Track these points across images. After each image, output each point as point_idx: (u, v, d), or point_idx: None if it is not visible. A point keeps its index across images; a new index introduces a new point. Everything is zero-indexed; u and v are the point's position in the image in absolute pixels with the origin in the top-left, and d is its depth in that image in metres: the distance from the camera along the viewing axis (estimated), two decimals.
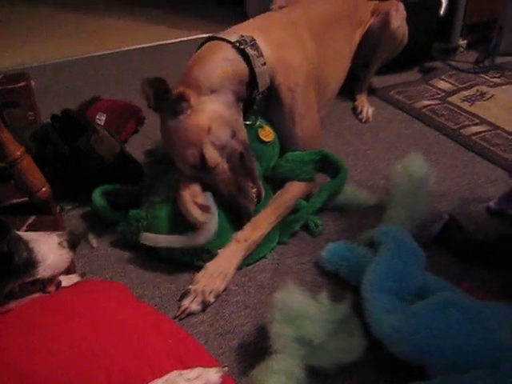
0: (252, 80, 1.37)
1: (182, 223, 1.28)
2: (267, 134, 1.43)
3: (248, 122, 1.41)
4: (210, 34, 1.45)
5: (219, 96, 1.31)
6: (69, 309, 0.90)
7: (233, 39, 1.36)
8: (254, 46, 1.36)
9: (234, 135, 1.30)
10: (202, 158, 1.26)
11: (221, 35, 1.40)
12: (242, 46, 1.35)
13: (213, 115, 1.29)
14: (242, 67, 1.36)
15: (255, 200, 1.30)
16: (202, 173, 1.29)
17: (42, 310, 0.90)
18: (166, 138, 1.35)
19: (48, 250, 0.96)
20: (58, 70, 2.64)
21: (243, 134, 1.34)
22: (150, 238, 1.28)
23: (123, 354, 0.84)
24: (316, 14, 1.69)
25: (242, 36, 1.37)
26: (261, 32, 1.43)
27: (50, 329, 0.85)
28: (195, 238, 1.24)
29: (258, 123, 1.43)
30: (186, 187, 1.29)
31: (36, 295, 0.97)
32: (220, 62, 1.34)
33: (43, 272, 0.95)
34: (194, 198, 1.27)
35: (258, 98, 1.41)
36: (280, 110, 1.46)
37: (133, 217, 1.35)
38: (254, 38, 1.38)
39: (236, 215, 1.32)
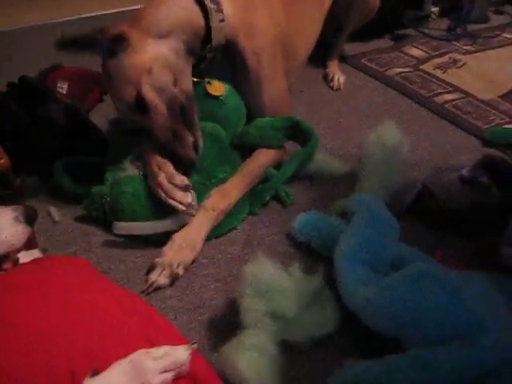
0: (208, 36, 1.32)
1: (149, 200, 1.24)
2: (216, 88, 1.37)
3: (195, 79, 1.34)
4: None
5: (168, 41, 1.25)
6: (27, 288, 0.84)
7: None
8: (215, 0, 1.31)
9: (176, 83, 1.24)
10: (139, 97, 1.21)
11: None
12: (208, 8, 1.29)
13: (157, 57, 1.23)
14: (198, 20, 1.30)
15: (192, 148, 1.24)
16: (139, 115, 1.24)
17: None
18: (105, 78, 1.29)
19: (2, 225, 0.90)
20: (16, 37, 2.52)
21: (187, 84, 1.28)
22: (124, 228, 1.24)
23: (86, 337, 0.79)
24: None
25: None
26: (241, 3, 1.37)
27: (4, 311, 0.80)
28: (177, 221, 1.21)
29: (206, 79, 1.37)
30: (157, 169, 1.24)
31: None
32: (175, 8, 1.28)
33: None
34: (172, 180, 1.21)
35: (210, 55, 1.35)
36: (246, 76, 1.41)
37: (96, 193, 1.30)
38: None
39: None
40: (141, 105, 1.21)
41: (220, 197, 1.26)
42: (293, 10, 1.58)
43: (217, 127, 1.36)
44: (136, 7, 2.76)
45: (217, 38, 1.33)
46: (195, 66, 1.33)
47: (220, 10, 1.31)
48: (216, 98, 1.37)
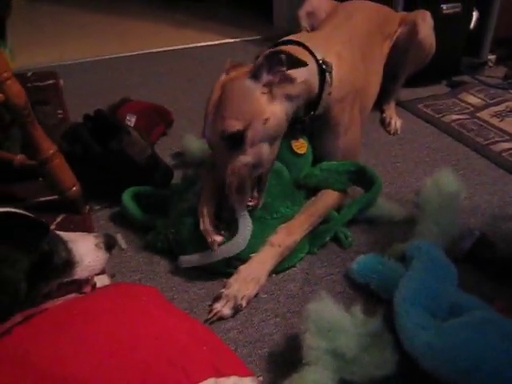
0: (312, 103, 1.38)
1: None
2: (300, 146, 1.43)
3: None
4: (287, 38, 1.45)
5: (288, 105, 1.29)
6: (107, 313, 0.89)
7: (318, 57, 1.37)
8: (331, 74, 1.38)
9: (271, 145, 1.27)
10: (240, 133, 1.21)
11: (307, 45, 1.38)
12: (325, 68, 1.37)
13: (276, 115, 1.26)
14: (315, 91, 1.37)
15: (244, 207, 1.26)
16: (226, 150, 1.23)
17: (80, 313, 0.89)
18: (226, 91, 1.25)
19: (86, 250, 0.97)
20: (85, 69, 2.67)
21: (277, 148, 1.31)
22: (188, 261, 1.29)
23: (160, 363, 0.83)
24: (360, 32, 1.69)
25: (325, 59, 1.38)
26: (336, 55, 1.44)
27: (88, 335, 0.85)
28: (231, 248, 1.24)
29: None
30: (206, 204, 1.29)
31: (72, 295, 0.98)
32: (306, 73, 1.32)
33: (81, 273, 0.96)
34: (213, 218, 1.27)
35: (307, 119, 1.40)
36: (325, 121, 1.45)
37: (160, 225, 1.37)
38: (332, 63, 1.39)
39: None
40: (236, 139, 1.21)
41: (286, 233, 1.30)
42: (367, 65, 1.64)
43: (281, 165, 1.41)
44: (193, 45, 2.93)
45: (321, 108, 1.40)
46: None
47: (330, 84, 1.39)
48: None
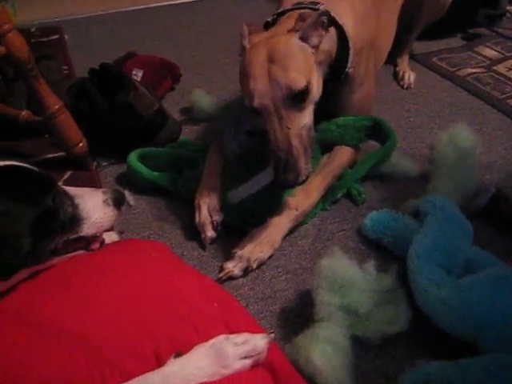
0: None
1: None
2: None
3: None
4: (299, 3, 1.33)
5: (321, 71, 1.24)
6: (115, 270, 0.88)
7: (340, 22, 1.29)
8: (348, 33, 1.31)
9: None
10: (306, 91, 1.14)
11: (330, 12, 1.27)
12: (345, 30, 1.30)
13: (320, 78, 1.22)
14: (333, 54, 1.30)
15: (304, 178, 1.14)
16: (286, 110, 1.14)
17: (87, 269, 0.88)
18: (280, 50, 1.15)
19: (93, 207, 0.94)
20: (89, 24, 2.61)
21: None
22: (236, 195, 1.23)
23: (170, 319, 0.82)
24: None
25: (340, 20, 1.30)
26: (352, 9, 1.36)
27: (95, 290, 0.84)
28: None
29: None
30: (206, 194, 1.26)
31: (80, 252, 0.96)
32: (330, 41, 1.26)
33: (87, 229, 0.93)
34: (212, 212, 1.24)
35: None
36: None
37: (186, 176, 1.35)
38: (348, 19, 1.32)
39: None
40: (299, 97, 1.14)
41: (304, 196, 1.26)
42: (380, 16, 1.56)
43: None
44: None
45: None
46: None
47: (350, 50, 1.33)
48: None
